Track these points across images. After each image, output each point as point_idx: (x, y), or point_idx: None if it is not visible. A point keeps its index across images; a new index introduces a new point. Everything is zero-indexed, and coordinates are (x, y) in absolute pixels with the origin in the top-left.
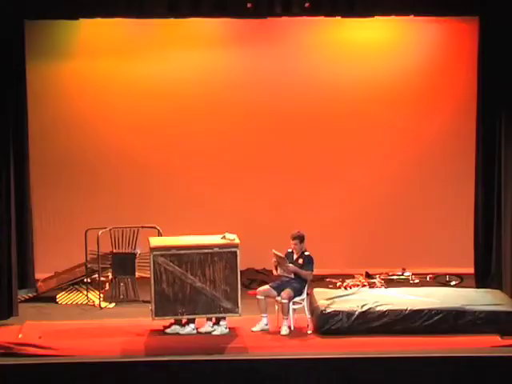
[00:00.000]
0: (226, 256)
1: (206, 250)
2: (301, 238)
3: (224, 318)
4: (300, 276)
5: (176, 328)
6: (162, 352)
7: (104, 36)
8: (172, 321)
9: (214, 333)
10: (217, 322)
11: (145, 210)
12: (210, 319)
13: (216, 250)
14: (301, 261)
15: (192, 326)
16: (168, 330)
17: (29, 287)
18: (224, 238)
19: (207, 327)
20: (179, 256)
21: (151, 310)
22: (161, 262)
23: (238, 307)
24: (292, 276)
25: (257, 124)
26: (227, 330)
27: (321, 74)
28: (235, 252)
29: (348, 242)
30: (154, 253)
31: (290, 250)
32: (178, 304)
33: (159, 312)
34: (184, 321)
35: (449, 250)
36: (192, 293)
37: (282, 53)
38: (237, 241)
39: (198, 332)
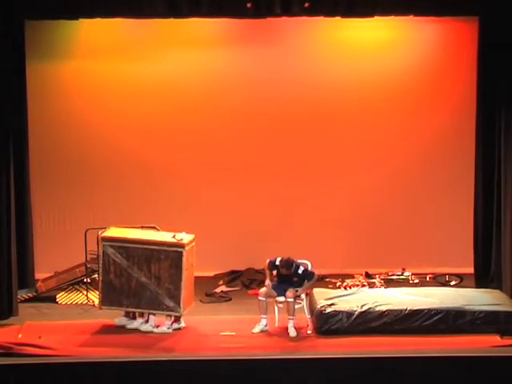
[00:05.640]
0: (172, 255)
1: (153, 247)
2: (287, 266)
3: (170, 318)
4: (309, 287)
5: (122, 320)
6: (162, 352)
7: (104, 36)
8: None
9: (155, 330)
10: (175, 321)
11: (145, 209)
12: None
13: (162, 247)
14: (295, 279)
15: (140, 320)
16: (116, 321)
17: (29, 287)
18: (174, 237)
19: (137, 323)
20: (127, 249)
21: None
22: (110, 252)
23: (179, 307)
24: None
25: (257, 124)
26: (170, 330)
27: (320, 74)
28: (181, 252)
29: (348, 242)
30: (104, 243)
31: (277, 263)
32: (124, 296)
33: (106, 302)
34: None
35: (449, 250)
36: (137, 287)
37: (282, 53)
38: (184, 241)
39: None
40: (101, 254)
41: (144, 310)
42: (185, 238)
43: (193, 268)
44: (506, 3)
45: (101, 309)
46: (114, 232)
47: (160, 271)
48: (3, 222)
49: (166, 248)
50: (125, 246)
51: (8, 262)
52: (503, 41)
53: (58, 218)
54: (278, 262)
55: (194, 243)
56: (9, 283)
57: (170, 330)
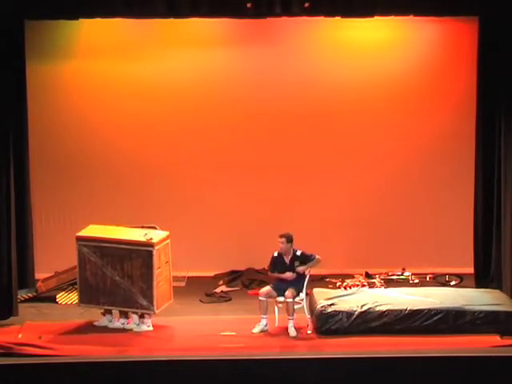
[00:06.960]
0: (143, 254)
1: (125, 246)
2: (288, 238)
3: (149, 316)
4: (312, 266)
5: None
6: (161, 351)
7: (104, 36)
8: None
9: (135, 329)
10: (143, 318)
11: (145, 209)
12: (124, 316)
13: (134, 247)
14: (297, 263)
15: (122, 321)
16: (96, 323)
17: (29, 287)
18: (145, 236)
19: (119, 323)
20: (101, 248)
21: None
22: (85, 252)
23: (153, 305)
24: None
25: (257, 124)
26: (151, 328)
27: (320, 74)
28: (151, 251)
29: (348, 241)
30: (79, 243)
31: (275, 255)
32: (100, 294)
33: (84, 300)
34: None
35: (449, 250)
36: (111, 285)
37: (282, 53)
38: (154, 240)
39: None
40: (76, 253)
41: (120, 308)
42: (155, 236)
43: (169, 265)
44: (506, 3)
45: (80, 306)
46: (91, 231)
47: (132, 270)
48: (3, 222)
49: (137, 247)
50: (99, 246)
51: (8, 261)
52: (503, 41)
53: (58, 218)
54: (276, 254)
55: (168, 241)
56: (9, 283)
57: (151, 328)
